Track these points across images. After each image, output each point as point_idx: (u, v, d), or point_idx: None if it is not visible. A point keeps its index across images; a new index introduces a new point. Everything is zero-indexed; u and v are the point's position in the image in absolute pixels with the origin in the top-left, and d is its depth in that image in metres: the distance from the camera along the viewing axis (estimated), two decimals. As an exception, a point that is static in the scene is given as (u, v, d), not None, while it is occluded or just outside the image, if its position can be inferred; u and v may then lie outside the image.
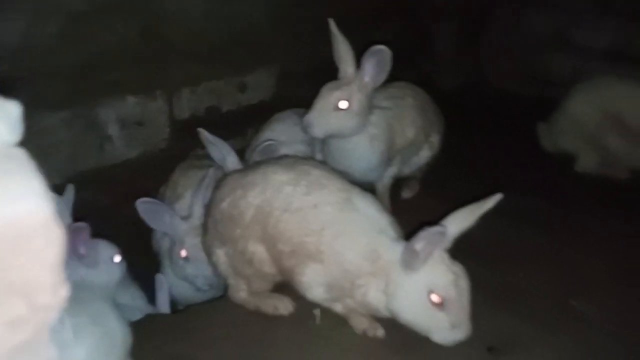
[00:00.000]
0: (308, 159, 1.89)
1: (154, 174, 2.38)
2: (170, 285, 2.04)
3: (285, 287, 1.75)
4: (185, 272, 1.97)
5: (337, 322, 1.67)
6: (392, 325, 1.59)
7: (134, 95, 2.23)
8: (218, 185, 1.79)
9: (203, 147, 2.17)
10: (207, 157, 2.13)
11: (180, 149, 2.46)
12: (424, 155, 2.33)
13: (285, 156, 1.88)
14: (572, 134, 2.78)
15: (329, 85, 2.00)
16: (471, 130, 3.05)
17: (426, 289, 1.38)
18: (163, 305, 1.99)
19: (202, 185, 1.95)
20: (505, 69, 3.72)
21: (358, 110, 1.97)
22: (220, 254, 1.72)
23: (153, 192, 2.38)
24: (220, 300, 1.97)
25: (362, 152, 2.04)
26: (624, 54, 3.17)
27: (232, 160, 2.00)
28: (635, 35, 3.12)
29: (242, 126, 2.22)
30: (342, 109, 1.95)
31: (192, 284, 2.00)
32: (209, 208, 1.78)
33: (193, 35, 2.33)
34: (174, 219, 1.94)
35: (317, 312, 1.70)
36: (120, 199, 2.14)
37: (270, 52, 2.69)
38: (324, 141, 2.11)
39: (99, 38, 2.06)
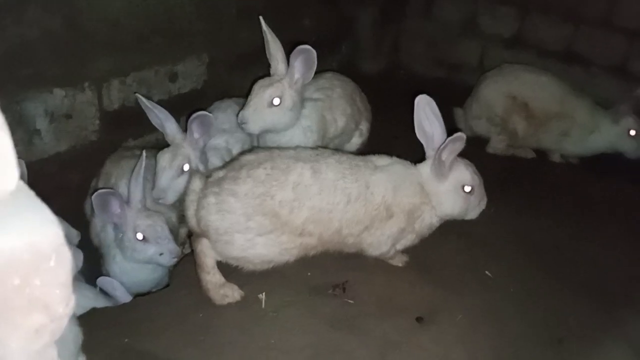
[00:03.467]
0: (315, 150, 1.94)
1: (84, 166, 2.34)
2: (120, 274, 2.08)
3: (232, 273, 1.84)
4: (148, 254, 2.02)
5: (281, 304, 1.80)
6: (338, 303, 1.76)
7: (61, 87, 2.16)
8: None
9: (134, 138, 2.18)
10: (137, 148, 2.16)
11: (111, 141, 2.43)
12: (355, 142, 2.50)
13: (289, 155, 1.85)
14: (483, 118, 3.06)
15: (261, 82, 2.11)
16: (390, 114, 3.25)
17: (460, 185, 1.83)
18: (123, 296, 2.04)
19: (138, 170, 1.98)
20: (418, 53, 3.96)
21: (290, 105, 2.11)
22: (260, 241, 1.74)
23: (84, 185, 2.35)
24: (164, 290, 2.03)
25: (297, 144, 2.14)
26: (524, 40, 3.51)
27: (170, 127, 2.16)
28: (531, 24, 3.45)
29: (174, 115, 2.24)
30: (275, 105, 2.08)
31: (157, 263, 2.07)
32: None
33: (116, 26, 2.29)
34: (124, 207, 1.98)
35: (261, 296, 1.82)
36: (52, 193, 2.09)
37: (198, 41, 2.69)
38: (260, 134, 2.20)
39: (19, 30, 1.98)
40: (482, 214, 2.34)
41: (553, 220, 2.45)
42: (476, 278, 2.01)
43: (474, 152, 3.01)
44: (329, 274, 1.94)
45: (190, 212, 1.82)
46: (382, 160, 1.91)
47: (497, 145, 3.07)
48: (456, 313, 1.80)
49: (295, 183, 1.72)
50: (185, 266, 2.03)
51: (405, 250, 2.00)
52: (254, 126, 2.08)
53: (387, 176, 1.84)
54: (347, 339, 1.67)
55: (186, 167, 2.13)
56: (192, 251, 1.89)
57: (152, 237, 2.00)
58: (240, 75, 2.88)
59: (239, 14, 2.83)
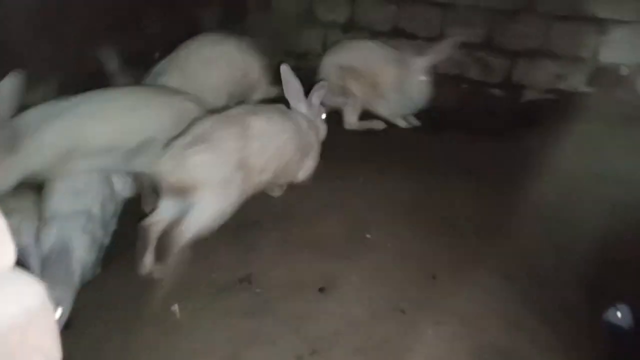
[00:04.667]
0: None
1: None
2: None
3: (139, 292, 1.89)
4: None
5: (195, 310, 1.91)
6: (247, 295, 1.92)
7: None
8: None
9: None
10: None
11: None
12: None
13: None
14: (329, 93, 3.36)
15: None
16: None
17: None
18: None
19: None
20: (266, 46, 4.15)
21: None
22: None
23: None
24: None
25: None
26: (357, 24, 3.89)
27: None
28: (361, 8, 3.83)
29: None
30: None
31: None
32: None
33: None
34: None
35: (175, 307, 1.91)
36: None
37: (44, 66, 2.58)
38: None
39: None
40: (355, 185, 2.69)
41: (410, 180, 2.83)
42: (359, 242, 2.29)
43: (335, 129, 3.40)
44: (233, 270, 2.09)
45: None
46: (284, 107, 2.49)
47: (350, 118, 3.40)
48: (350, 276, 2.06)
49: (259, 132, 2.18)
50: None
51: (294, 231, 2.29)
52: None
53: (301, 116, 2.49)
54: (263, 324, 1.85)
55: None
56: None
57: None
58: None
59: (83, 36, 2.77)
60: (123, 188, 2.44)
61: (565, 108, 3.36)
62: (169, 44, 3.16)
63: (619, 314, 2.22)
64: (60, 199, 2.09)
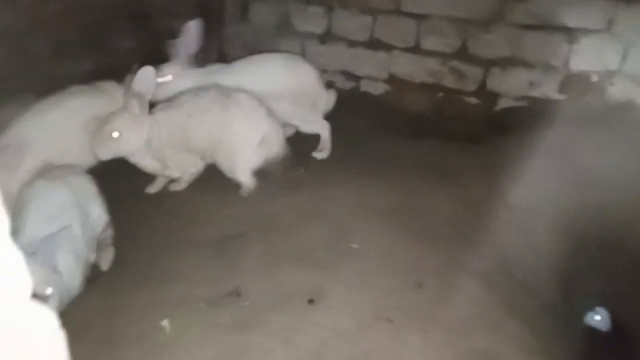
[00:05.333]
0: None
1: None
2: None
3: (129, 307, 1.88)
4: None
5: (183, 326, 1.90)
6: (235, 309, 1.93)
7: None
8: None
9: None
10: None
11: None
12: None
13: None
14: None
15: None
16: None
17: None
18: None
19: None
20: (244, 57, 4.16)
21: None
22: None
23: None
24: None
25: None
26: (334, 34, 3.93)
27: None
28: (337, 20, 3.87)
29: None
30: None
31: None
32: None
33: None
34: None
35: (164, 323, 1.91)
36: None
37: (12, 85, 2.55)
38: None
39: None
40: (337, 195, 2.72)
41: (391, 188, 2.85)
42: (345, 252, 2.31)
43: (316, 139, 3.42)
44: (220, 285, 2.09)
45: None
46: None
47: None
48: (337, 287, 2.08)
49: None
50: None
51: (279, 242, 2.34)
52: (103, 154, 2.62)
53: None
54: (253, 338, 1.85)
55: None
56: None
57: None
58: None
59: (54, 51, 2.74)
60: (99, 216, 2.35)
61: (538, 115, 3.45)
62: (145, 57, 3.15)
63: (597, 317, 2.30)
64: (34, 226, 1.99)
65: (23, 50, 2.53)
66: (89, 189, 2.26)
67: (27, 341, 0.64)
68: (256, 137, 2.65)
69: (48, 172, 2.25)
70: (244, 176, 2.69)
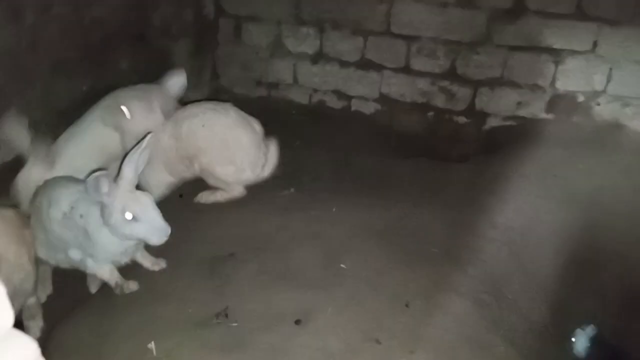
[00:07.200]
0: None
1: None
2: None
3: (112, 332, 1.87)
4: (138, 234, 2.05)
5: (172, 346, 1.90)
6: (224, 329, 1.93)
7: None
8: None
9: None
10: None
11: None
12: None
13: None
14: None
15: None
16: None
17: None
18: None
19: (137, 151, 2.05)
20: (237, 77, 4.22)
21: None
22: None
23: None
24: None
25: None
26: (326, 55, 3.98)
27: None
28: (329, 40, 3.93)
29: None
30: None
31: (148, 242, 2.11)
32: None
33: None
34: (113, 187, 2.00)
35: (151, 345, 1.90)
36: None
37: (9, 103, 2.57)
38: None
39: None
40: (328, 215, 2.73)
41: (381, 207, 2.87)
42: (334, 272, 2.32)
43: (307, 158, 3.42)
44: (209, 305, 2.10)
45: None
46: None
47: None
48: (325, 307, 2.09)
49: None
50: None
51: (270, 262, 2.36)
52: None
53: None
54: (240, 358, 1.86)
55: None
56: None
57: (142, 217, 2.01)
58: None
59: (53, 70, 2.77)
60: None
61: (526, 134, 3.51)
62: (140, 76, 3.19)
63: (584, 337, 2.31)
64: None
65: (23, 67, 2.56)
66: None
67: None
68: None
69: None
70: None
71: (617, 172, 3.18)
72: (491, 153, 3.49)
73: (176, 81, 2.77)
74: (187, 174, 2.85)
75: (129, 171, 2.05)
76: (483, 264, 2.47)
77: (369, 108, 3.98)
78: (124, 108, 2.63)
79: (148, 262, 2.35)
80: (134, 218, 2.02)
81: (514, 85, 3.58)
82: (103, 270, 2.21)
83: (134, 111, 2.67)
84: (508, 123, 3.69)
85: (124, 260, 2.26)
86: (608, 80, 3.40)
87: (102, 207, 2.04)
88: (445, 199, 3.03)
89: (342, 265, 2.35)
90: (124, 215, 2.01)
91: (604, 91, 3.44)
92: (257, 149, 2.86)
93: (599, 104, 3.46)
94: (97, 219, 2.06)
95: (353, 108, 4.02)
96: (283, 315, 2.05)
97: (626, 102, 3.44)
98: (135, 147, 2.08)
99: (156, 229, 2.06)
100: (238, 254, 2.46)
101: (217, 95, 4.16)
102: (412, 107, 3.86)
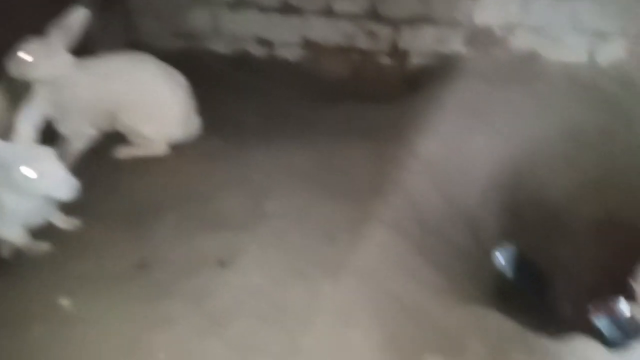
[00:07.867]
0: None
1: None
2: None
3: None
4: (42, 190, 1.92)
5: (87, 301, 1.83)
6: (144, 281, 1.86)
7: None
8: None
9: None
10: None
11: None
12: None
13: None
14: None
15: None
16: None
17: None
18: None
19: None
20: (154, 30, 3.98)
21: None
22: None
23: None
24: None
25: None
26: (245, 1, 3.82)
27: None
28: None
29: None
30: None
31: (55, 197, 1.98)
32: None
33: None
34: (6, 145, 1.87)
35: (63, 301, 1.81)
36: None
37: None
38: None
39: None
40: (254, 161, 2.67)
41: (309, 149, 2.82)
42: (259, 214, 2.27)
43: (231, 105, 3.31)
44: (127, 257, 2.02)
45: None
46: None
47: None
48: (249, 246, 2.06)
49: None
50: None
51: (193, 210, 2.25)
52: None
53: None
54: (162, 306, 1.80)
55: None
56: None
57: (43, 172, 1.87)
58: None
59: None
60: None
61: (448, 71, 3.54)
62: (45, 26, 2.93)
63: (502, 256, 2.41)
64: None
65: None
66: None
67: None
68: None
69: None
70: None
71: (535, 101, 3.29)
72: (415, 91, 3.51)
73: (76, 16, 2.43)
74: (109, 127, 2.68)
75: (24, 126, 1.90)
76: (408, 194, 2.50)
77: (293, 54, 3.89)
78: (20, 53, 2.38)
79: (61, 221, 2.22)
80: (35, 174, 1.88)
81: (433, 22, 3.58)
82: (11, 233, 2.07)
83: (34, 55, 2.41)
84: (430, 61, 3.70)
85: (36, 221, 2.13)
86: (523, 11, 3.45)
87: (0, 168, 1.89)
88: (371, 139, 3.03)
89: (267, 206, 2.31)
90: (23, 172, 1.87)
91: (520, 23, 3.49)
92: (182, 104, 2.71)
93: (515, 36, 3.53)
94: None
95: (277, 55, 3.91)
96: (206, 259, 2.00)
97: (541, 33, 3.52)
98: (29, 99, 1.93)
99: (61, 183, 1.93)
100: (159, 205, 2.36)
101: (133, 49, 3.92)
102: (336, 50, 3.79)
